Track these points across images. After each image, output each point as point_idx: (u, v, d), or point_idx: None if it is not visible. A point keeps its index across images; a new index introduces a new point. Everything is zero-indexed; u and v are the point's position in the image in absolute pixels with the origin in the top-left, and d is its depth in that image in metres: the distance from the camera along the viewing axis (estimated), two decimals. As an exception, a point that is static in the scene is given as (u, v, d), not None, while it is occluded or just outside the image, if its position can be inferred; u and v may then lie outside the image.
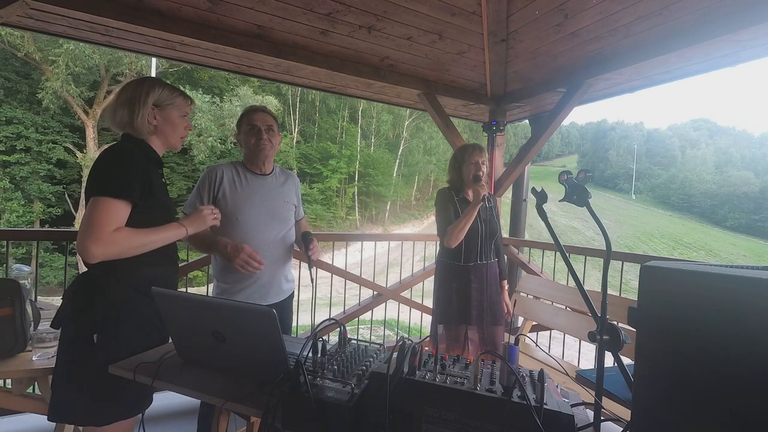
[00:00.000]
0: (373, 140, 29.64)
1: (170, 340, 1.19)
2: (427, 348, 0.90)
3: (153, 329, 1.16)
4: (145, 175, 1.09)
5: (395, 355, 0.82)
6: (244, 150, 1.57)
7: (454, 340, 1.97)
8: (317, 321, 1.60)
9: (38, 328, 1.47)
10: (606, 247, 0.89)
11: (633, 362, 0.72)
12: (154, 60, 14.30)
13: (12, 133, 14.71)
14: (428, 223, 30.23)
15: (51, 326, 1.20)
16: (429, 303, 3.45)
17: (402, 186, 30.79)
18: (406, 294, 3.17)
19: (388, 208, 29.36)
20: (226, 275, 1.51)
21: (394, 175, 29.95)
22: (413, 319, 3.33)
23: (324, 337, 1.47)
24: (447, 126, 3.03)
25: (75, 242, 1.06)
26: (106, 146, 1.19)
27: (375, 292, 3.05)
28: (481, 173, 1.92)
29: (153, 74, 14.97)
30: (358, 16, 2.35)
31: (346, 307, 3.05)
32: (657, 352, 0.62)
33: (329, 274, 2.80)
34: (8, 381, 1.52)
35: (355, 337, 1.10)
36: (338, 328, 1.03)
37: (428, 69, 2.83)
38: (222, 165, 1.54)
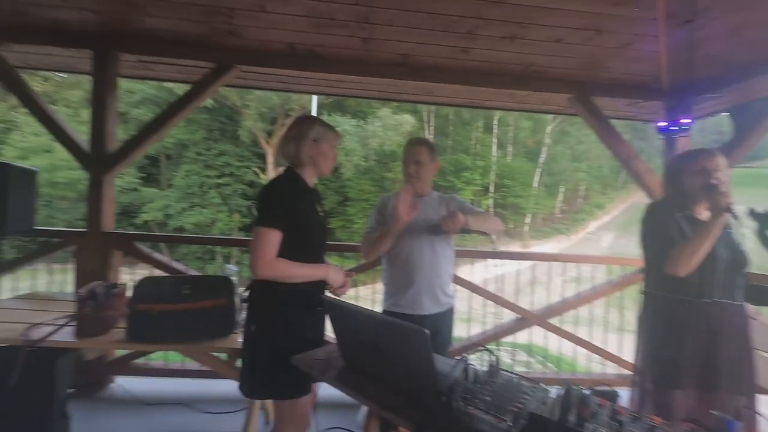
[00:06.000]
0: (510, 149, 28.02)
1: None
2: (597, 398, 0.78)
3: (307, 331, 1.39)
4: (291, 206, 1.30)
5: (554, 396, 0.74)
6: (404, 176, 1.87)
7: (658, 406, 1.48)
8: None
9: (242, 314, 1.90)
10: None
11: None
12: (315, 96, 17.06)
13: (223, 162, 19.87)
14: (577, 240, 26.46)
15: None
16: (583, 334, 2.98)
17: (544, 197, 27.93)
18: (554, 321, 2.85)
19: (527, 221, 27.10)
20: (389, 281, 1.80)
21: (535, 185, 27.52)
22: (564, 348, 2.96)
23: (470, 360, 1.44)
24: (606, 130, 2.64)
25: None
26: (279, 169, 1.51)
27: (518, 316, 2.84)
28: (715, 180, 1.44)
29: (314, 106, 17.75)
30: (500, 28, 2.27)
31: (486, 327, 2.93)
32: None
33: (466, 291, 2.75)
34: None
35: (505, 368, 1.04)
36: (483, 351, 1.00)
37: (581, 69, 2.52)
38: (390, 195, 1.90)
